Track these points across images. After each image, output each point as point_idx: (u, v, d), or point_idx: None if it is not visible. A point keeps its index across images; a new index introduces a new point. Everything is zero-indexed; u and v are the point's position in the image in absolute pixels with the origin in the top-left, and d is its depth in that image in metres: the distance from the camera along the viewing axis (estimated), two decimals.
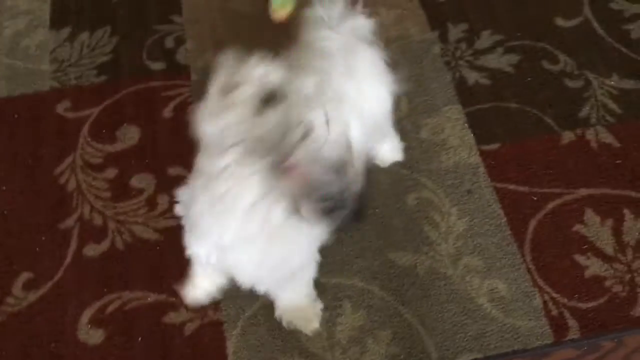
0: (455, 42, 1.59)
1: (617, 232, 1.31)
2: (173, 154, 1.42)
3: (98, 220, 1.33)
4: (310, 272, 1.12)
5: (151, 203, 1.35)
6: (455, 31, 1.61)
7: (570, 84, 1.52)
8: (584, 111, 1.48)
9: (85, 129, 1.44)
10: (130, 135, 1.44)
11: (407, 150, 1.42)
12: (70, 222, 1.32)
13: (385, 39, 1.58)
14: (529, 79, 1.53)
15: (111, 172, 1.39)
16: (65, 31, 1.60)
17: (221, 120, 0.81)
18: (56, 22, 1.61)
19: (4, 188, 1.36)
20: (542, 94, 1.51)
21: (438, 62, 1.56)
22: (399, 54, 1.57)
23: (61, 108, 1.47)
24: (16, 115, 1.46)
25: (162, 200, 1.35)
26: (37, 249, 1.29)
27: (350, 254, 1.29)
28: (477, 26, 1.62)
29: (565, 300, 1.23)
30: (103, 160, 1.41)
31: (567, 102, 1.49)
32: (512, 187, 1.37)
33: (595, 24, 1.62)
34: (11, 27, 1.60)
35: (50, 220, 1.32)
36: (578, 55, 1.56)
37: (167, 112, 1.46)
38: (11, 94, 1.49)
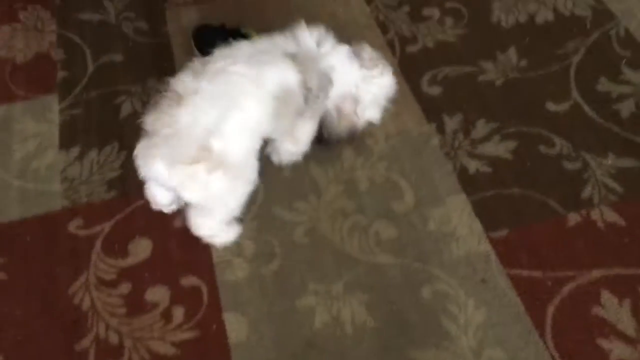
0: (453, 132, 1.65)
1: (636, 313, 1.30)
2: (186, 264, 1.43)
3: (114, 339, 1.31)
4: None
5: (166, 316, 1.35)
6: (451, 122, 1.67)
7: (569, 166, 1.56)
8: (586, 192, 1.51)
9: (97, 245, 1.45)
10: (142, 248, 1.45)
11: (417, 243, 1.44)
12: (86, 342, 1.31)
13: (385, 134, 1.65)
14: (529, 164, 1.57)
15: (125, 288, 1.39)
16: (75, 150, 1.64)
17: None
18: (65, 143, 1.66)
19: (19, 313, 1.36)
20: (542, 178, 1.54)
21: (438, 153, 1.61)
22: (400, 148, 1.62)
23: (73, 226, 1.49)
24: (29, 238, 1.47)
25: (177, 313, 1.35)
26: None
27: (370, 355, 1.28)
28: (471, 116, 1.68)
29: None
30: (116, 276, 1.41)
31: (568, 184, 1.53)
32: (525, 273, 1.38)
33: (585, 106, 1.68)
34: (21, 151, 1.65)
35: (66, 342, 1.31)
36: (573, 138, 1.61)
37: (178, 222, 1.48)
38: (24, 215, 1.51)
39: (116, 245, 1.46)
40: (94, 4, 2.03)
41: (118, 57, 1.87)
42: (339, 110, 1.47)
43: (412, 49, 1.86)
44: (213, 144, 1.22)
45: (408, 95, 1.74)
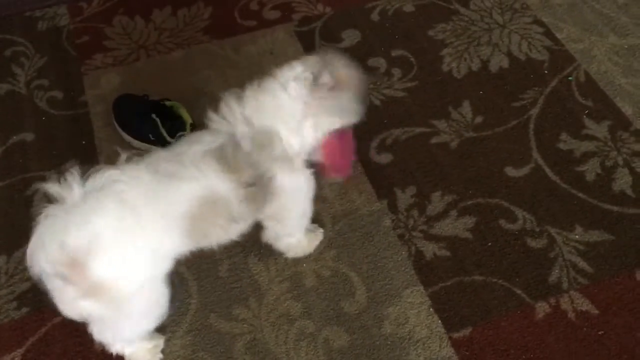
0: (406, 210, 1.49)
1: None
2: None
3: None
4: None
5: None
6: (404, 197, 1.51)
7: (533, 243, 1.42)
8: (554, 275, 1.37)
9: None
10: None
11: (372, 350, 1.28)
12: None
13: (332, 216, 1.48)
14: (489, 244, 1.43)
15: None
16: None
17: None
18: None
19: None
20: (505, 261, 1.40)
21: (391, 236, 1.45)
22: (348, 232, 1.46)
23: None
24: None
25: None
26: None
27: None
28: (426, 188, 1.53)
29: None
30: None
31: (533, 266, 1.39)
32: None
33: (547, 169, 1.54)
34: None
35: None
36: (536, 209, 1.47)
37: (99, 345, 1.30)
38: None
39: None
40: (1, 71, 1.81)
41: (29, 136, 1.66)
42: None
43: None
44: (90, 262, 1.00)
45: (356, 167, 1.57)
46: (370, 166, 1.57)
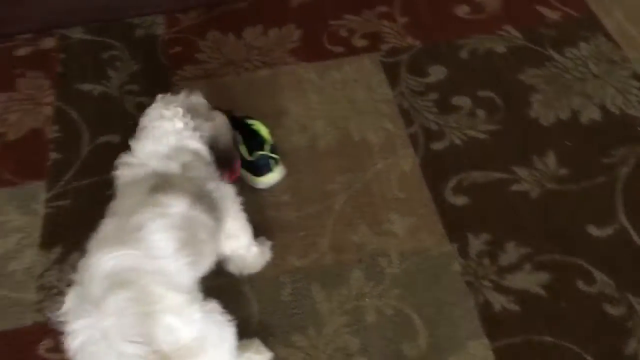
0: (477, 256, 1.44)
1: None
2: None
3: None
4: None
5: None
6: (477, 243, 1.47)
7: (611, 310, 1.35)
8: (630, 347, 1.29)
9: None
10: None
11: None
12: None
13: (400, 253, 1.46)
14: (563, 304, 1.36)
15: None
16: (56, 251, 1.49)
17: None
18: (47, 241, 1.51)
19: None
20: (580, 325, 1.33)
21: (459, 282, 1.41)
22: (415, 272, 1.43)
23: (43, 348, 1.34)
24: None
25: None
26: None
27: None
28: (500, 237, 1.48)
29: None
30: None
31: (609, 334, 1.31)
32: None
33: (633, 233, 1.46)
34: (1, 247, 1.51)
35: None
36: (616, 273, 1.40)
37: None
38: None
39: None
40: (97, 73, 1.89)
41: (116, 138, 1.72)
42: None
43: (437, 145, 1.67)
44: (162, 348, 0.98)
45: (430, 205, 1.54)
46: (444, 207, 1.54)
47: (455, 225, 1.51)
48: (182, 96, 1.36)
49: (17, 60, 1.94)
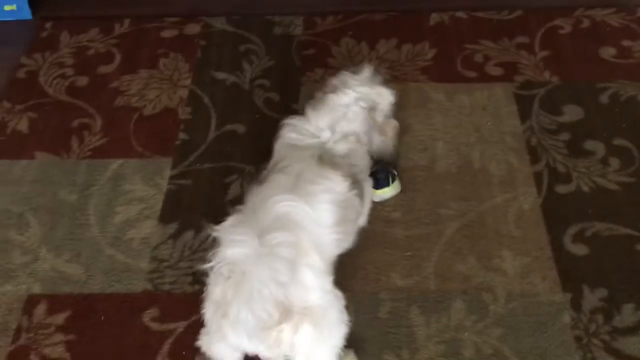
0: (590, 312, 1.37)
1: None
2: None
3: None
4: None
5: None
6: (592, 297, 1.39)
7: None
8: None
9: (165, 348, 1.35)
10: None
11: None
12: None
13: (507, 293, 1.41)
14: None
15: None
16: (172, 227, 1.56)
17: None
18: (166, 216, 1.59)
19: None
20: None
21: (567, 335, 1.34)
22: (521, 315, 1.37)
23: (148, 316, 1.40)
24: (103, 317, 1.41)
25: None
26: None
27: None
28: (618, 295, 1.39)
29: None
30: None
31: None
32: None
33: None
34: (123, 214, 1.60)
35: None
36: None
37: None
38: (104, 290, 1.45)
39: (184, 353, 1.35)
40: (233, 64, 1.96)
41: (241, 129, 1.78)
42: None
43: (562, 189, 1.60)
44: (291, 298, 1.07)
45: (545, 249, 1.48)
46: (562, 253, 1.47)
47: (571, 274, 1.44)
48: (365, 74, 1.51)
49: (162, 41, 2.05)
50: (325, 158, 1.31)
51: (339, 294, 1.19)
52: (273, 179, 1.27)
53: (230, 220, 1.18)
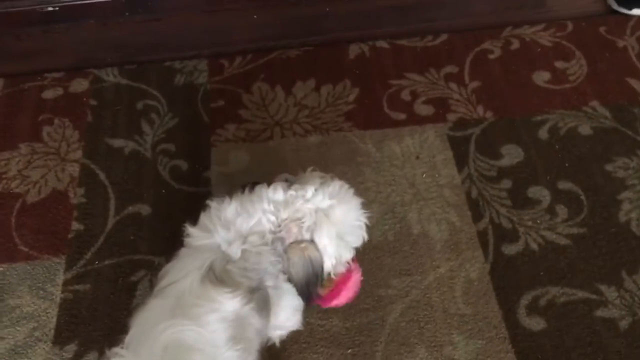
0: None
1: None
2: None
3: None
4: None
5: None
6: None
7: None
8: None
9: None
10: None
11: None
12: None
13: None
14: None
15: None
16: (70, 350, 1.31)
17: None
18: (61, 335, 1.34)
19: None
20: None
21: None
22: None
23: None
24: None
25: None
26: None
27: None
28: None
29: None
30: None
31: None
32: None
33: None
34: (9, 339, 1.33)
35: None
36: None
37: None
38: None
39: None
40: (130, 127, 1.70)
41: (145, 209, 1.54)
42: (282, 240, 1.14)
43: (510, 249, 1.45)
44: None
45: (499, 327, 1.33)
46: (518, 331, 1.32)
47: (530, 356, 1.29)
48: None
49: (45, 104, 1.76)
50: (217, 266, 1.09)
51: None
52: (152, 306, 1.06)
53: None
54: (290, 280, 1.15)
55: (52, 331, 1.35)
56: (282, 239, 1.14)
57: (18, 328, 1.35)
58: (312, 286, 1.15)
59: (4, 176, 1.61)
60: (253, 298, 1.10)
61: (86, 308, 1.38)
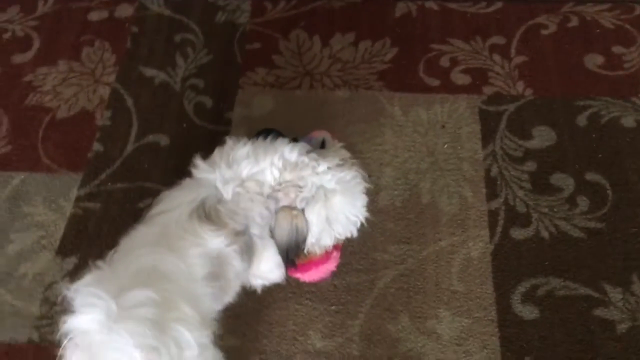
0: None
1: None
2: None
3: None
4: None
5: None
6: None
7: None
8: None
9: None
10: None
11: None
12: None
13: None
14: None
15: None
16: (70, 262, 1.38)
17: None
18: (64, 247, 1.40)
19: None
20: None
21: None
22: None
23: None
24: None
25: None
26: None
27: None
28: None
29: None
30: None
31: None
32: None
33: None
34: (17, 242, 1.42)
35: None
36: None
37: None
38: None
39: None
40: (165, 58, 1.72)
41: (164, 140, 1.57)
42: (276, 200, 1.15)
43: (518, 233, 1.39)
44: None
45: (489, 310, 1.29)
46: (508, 316, 1.28)
47: (514, 344, 1.25)
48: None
49: (89, 26, 1.80)
50: (208, 203, 1.11)
51: (218, 354, 1.07)
52: (139, 231, 1.10)
53: (86, 279, 1.00)
54: (272, 239, 1.16)
55: (58, 242, 1.41)
56: (276, 199, 1.15)
57: (28, 234, 1.43)
58: (291, 253, 1.15)
59: (39, 89, 1.67)
60: (237, 240, 1.13)
61: (93, 226, 1.44)
